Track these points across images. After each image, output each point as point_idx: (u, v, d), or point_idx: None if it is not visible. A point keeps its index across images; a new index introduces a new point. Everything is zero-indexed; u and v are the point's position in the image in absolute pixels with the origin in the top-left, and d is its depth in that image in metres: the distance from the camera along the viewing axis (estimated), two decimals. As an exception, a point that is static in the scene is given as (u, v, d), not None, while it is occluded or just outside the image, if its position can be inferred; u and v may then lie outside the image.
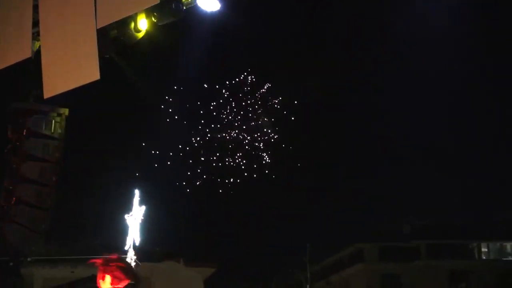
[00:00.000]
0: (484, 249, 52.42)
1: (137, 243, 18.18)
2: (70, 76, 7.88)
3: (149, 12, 9.28)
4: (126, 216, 18.47)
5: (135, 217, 18.19)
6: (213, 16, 10.76)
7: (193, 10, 10.14)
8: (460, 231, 50.39)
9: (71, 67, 7.80)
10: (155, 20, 9.47)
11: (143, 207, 18.57)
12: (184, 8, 9.51)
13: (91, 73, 7.60)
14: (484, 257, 52.43)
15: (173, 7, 9.26)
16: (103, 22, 7.58)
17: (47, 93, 8.01)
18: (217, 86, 28.32)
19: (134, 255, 17.94)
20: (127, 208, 18.73)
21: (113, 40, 9.40)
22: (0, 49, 8.27)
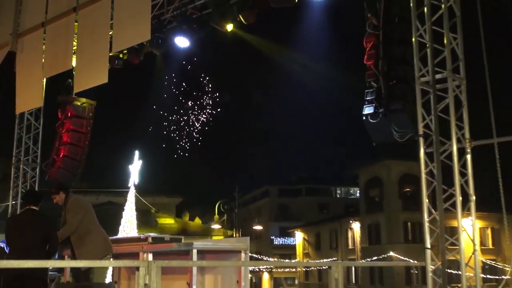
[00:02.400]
0: (338, 191, 70.05)
1: (136, 183, 19.81)
2: (88, 79, 9.30)
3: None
4: (129, 166, 19.59)
5: (135, 167, 19.41)
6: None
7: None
8: (325, 180, 68.31)
9: (87, 72, 9.20)
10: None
11: (140, 161, 19.66)
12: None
13: (101, 76, 8.90)
14: (338, 196, 69.70)
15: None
16: (115, 49, 9.23)
17: (76, 89, 9.87)
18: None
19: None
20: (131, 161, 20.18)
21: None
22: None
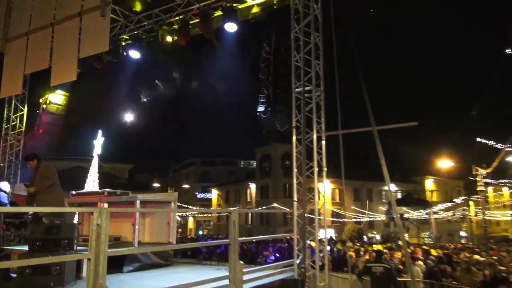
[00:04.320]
0: (242, 163, 68.33)
1: (98, 153, 18.06)
2: (60, 75, 8.27)
3: None
4: (94, 141, 17.97)
5: (98, 142, 17.76)
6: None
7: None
8: (234, 155, 67.46)
9: (60, 72, 8.21)
10: None
11: (102, 138, 17.78)
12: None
13: (71, 75, 8.21)
14: (242, 166, 68.35)
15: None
16: (82, 55, 7.92)
17: (52, 84, 8.53)
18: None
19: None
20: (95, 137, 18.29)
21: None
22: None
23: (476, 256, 13.84)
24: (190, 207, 45.68)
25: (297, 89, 7.64)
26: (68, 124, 14.53)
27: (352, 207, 44.64)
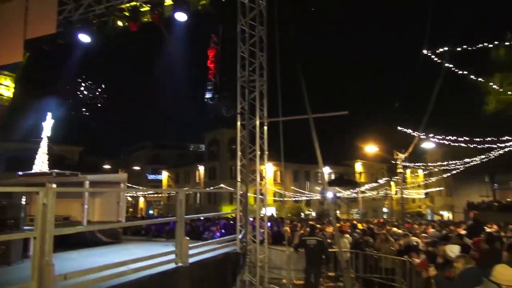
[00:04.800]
0: (192, 147, 67.10)
1: (48, 135, 17.62)
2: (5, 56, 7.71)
3: None
4: (43, 123, 17.73)
5: (47, 124, 17.60)
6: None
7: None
8: (184, 139, 68.03)
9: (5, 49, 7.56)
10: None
11: (52, 120, 17.67)
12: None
13: (17, 57, 7.79)
14: (191, 149, 66.92)
15: None
16: (28, 36, 7.36)
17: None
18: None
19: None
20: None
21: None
22: None
23: (394, 229, 14.82)
24: (140, 187, 44.49)
25: (242, 78, 7.61)
26: (15, 106, 13.51)
27: (292, 187, 45.89)
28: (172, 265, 5.29)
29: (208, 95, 8.38)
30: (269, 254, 11.26)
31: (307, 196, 44.74)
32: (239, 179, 7.38)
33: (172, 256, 5.40)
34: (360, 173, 53.98)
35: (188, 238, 5.65)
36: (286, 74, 7.95)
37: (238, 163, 7.43)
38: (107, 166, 43.18)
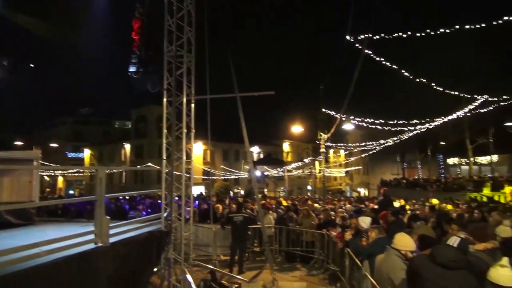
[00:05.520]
0: (117, 123, 65.43)
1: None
2: None
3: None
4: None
5: None
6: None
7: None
8: (110, 115, 64.71)
9: None
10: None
11: None
12: None
13: None
14: (117, 126, 65.09)
15: None
16: None
17: None
18: None
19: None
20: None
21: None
22: None
23: (316, 205, 15.78)
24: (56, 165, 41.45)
25: (169, 53, 7.33)
26: None
27: (221, 166, 46.19)
28: (91, 246, 5.05)
29: (132, 69, 7.95)
30: (196, 231, 11.33)
31: (236, 175, 45.39)
32: (164, 157, 7.20)
33: (91, 236, 5.15)
34: (287, 153, 55.98)
35: (109, 217, 5.42)
36: (215, 52, 7.84)
37: (164, 140, 7.23)
38: (19, 143, 39.28)
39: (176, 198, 7.57)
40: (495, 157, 31.18)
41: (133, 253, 5.83)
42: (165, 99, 7.33)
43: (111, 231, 5.47)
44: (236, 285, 6.86)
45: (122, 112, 63.22)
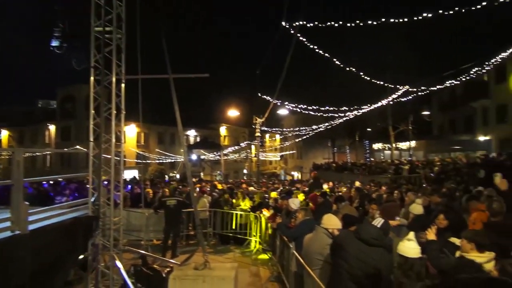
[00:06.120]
0: (40, 103, 60.51)
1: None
2: None
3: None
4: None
5: None
6: None
7: None
8: (31, 95, 61.34)
9: None
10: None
11: None
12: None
13: None
14: (40, 106, 59.90)
15: None
16: None
17: None
18: None
19: None
20: None
21: None
22: None
23: (251, 188, 16.09)
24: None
25: (96, 28, 6.84)
26: None
27: (157, 149, 44.91)
28: (7, 233, 4.67)
29: (54, 43, 7.30)
30: (128, 216, 10.97)
31: (171, 159, 44.47)
32: (91, 139, 6.80)
33: (7, 224, 4.76)
34: (224, 137, 55.99)
35: (27, 203, 5.03)
36: (148, 30, 7.47)
37: (91, 121, 6.82)
38: None
39: (105, 182, 7.23)
40: (413, 143, 33.99)
41: (56, 240, 5.50)
42: (92, 78, 6.87)
43: (31, 218, 5.11)
44: (168, 269, 6.79)
45: (46, 91, 58.63)
